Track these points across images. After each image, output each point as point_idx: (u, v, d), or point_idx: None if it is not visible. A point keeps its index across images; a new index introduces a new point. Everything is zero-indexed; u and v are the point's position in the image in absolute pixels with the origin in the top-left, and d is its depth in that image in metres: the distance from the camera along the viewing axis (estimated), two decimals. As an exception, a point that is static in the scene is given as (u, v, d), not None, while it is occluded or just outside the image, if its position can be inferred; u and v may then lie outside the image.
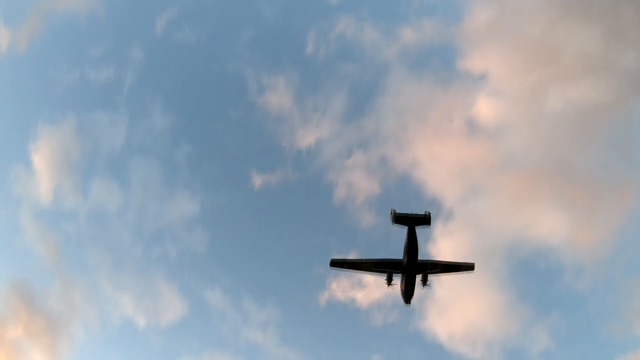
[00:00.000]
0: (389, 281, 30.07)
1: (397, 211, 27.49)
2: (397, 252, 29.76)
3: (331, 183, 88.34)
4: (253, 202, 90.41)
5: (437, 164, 79.22)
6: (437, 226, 78.65)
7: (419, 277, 29.62)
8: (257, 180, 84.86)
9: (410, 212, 27.60)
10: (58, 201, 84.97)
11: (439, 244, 76.49)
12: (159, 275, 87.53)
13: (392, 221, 27.67)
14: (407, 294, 30.36)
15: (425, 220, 27.81)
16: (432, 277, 30.05)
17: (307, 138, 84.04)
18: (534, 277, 79.63)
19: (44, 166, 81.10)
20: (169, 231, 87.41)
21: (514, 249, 77.02)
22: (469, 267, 30.38)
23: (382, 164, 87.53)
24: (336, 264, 30.55)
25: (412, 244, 27.81)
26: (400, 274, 29.90)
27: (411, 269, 28.95)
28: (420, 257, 29.11)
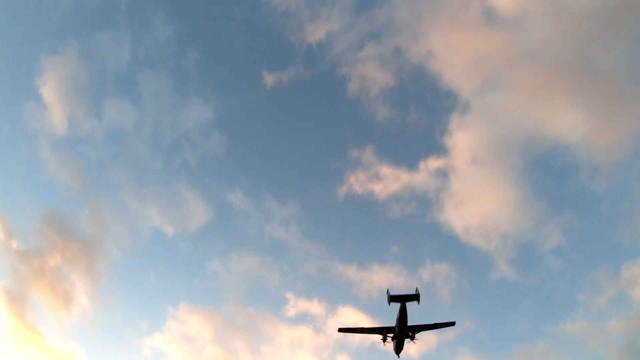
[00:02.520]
0: (384, 340, 37.55)
1: (391, 293, 34.76)
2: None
3: (344, 77, 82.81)
4: (266, 102, 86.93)
5: (453, 56, 74.32)
6: (453, 118, 76.30)
7: (407, 339, 37.35)
8: (269, 80, 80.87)
9: (402, 294, 34.95)
10: (73, 129, 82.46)
11: (455, 137, 75.24)
12: (181, 184, 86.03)
13: (388, 301, 35.03)
14: (398, 350, 37.70)
15: (415, 297, 34.87)
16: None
17: (316, 32, 79.15)
18: (549, 174, 76.05)
19: (54, 98, 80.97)
20: (186, 139, 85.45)
21: (531, 145, 72.05)
22: (450, 324, 38.15)
23: (395, 56, 79.92)
24: (343, 330, 37.87)
25: (402, 317, 35.12)
26: (392, 335, 37.58)
27: (401, 335, 36.62)
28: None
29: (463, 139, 75.59)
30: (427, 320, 37.32)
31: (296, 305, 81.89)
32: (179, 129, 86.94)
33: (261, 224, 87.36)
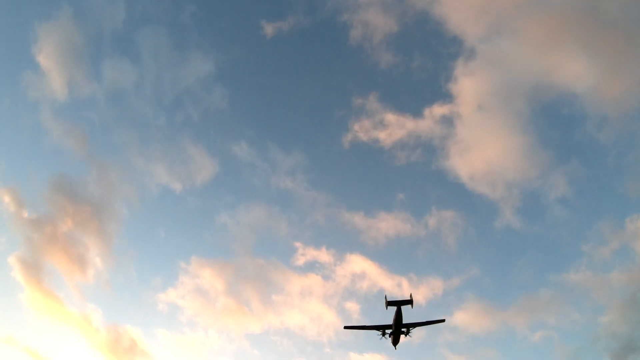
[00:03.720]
0: (383, 334, 44.30)
1: (387, 299, 41.12)
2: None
3: (346, 24, 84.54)
4: (267, 52, 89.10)
5: (458, 0, 72.03)
6: (458, 64, 79.31)
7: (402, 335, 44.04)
8: (269, 30, 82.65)
9: (397, 299, 41.28)
10: (74, 93, 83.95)
11: (460, 83, 78.29)
12: (186, 140, 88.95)
13: (385, 305, 41.48)
14: (395, 343, 44.07)
15: (409, 302, 40.22)
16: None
17: (316, -21, 72.73)
18: (556, 123, 78.43)
19: (51, 64, 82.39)
20: (188, 95, 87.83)
21: (538, 93, 73.58)
22: (440, 321, 44.37)
23: (399, 1, 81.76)
24: (349, 327, 44.71)
25: (398, 318, 41.57)
26: (390, 332, 44.22)
27: (397, 332, 43.29)
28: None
29: (469, 85, 76.47)
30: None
31: (305, 254, 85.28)
32: (180, 85, 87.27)
33: (267, 174, 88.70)
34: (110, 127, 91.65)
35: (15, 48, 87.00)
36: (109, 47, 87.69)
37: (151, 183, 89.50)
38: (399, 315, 41.18)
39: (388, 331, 43.39)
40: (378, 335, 43.93)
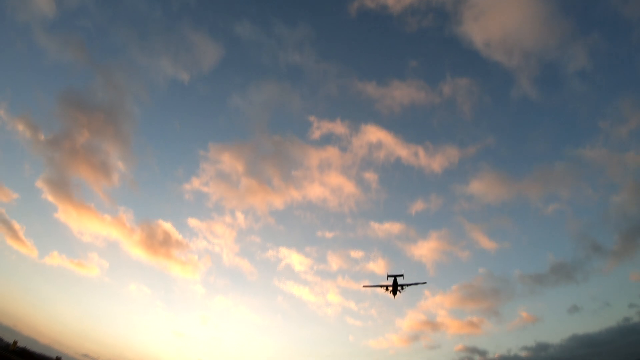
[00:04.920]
0: (386, 290, 74.72)
1: (388, 273, 70.74)
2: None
3: None
4: None
5: None
6: None
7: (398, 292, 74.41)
8: None
9: (394, 274, 70.83)
10: (62, 6, 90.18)
11: None
12: (186, 27, 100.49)
13: (387, 277, 71.27)
14: (394, 295, 75.01)
15: (401, 275, 70.75)
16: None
17: None
18: None
19: None
20: None
21: None
22: (422, 283, 74.29)
23: None
24: (367, 286, 75.10)
25: (395, 283, 71.65)
26: (390, 290, 74.51)
27: (394, 290, 73.59)
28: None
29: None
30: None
31: (320, 127, 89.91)
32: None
33: (274, 51, 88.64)
34: (106, 30, 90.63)
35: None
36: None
37: (158, 77, 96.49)
38: (395, 281, 71.38)
39: (390, 289, 73.86)
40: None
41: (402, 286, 73.06)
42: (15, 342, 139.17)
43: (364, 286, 75.32)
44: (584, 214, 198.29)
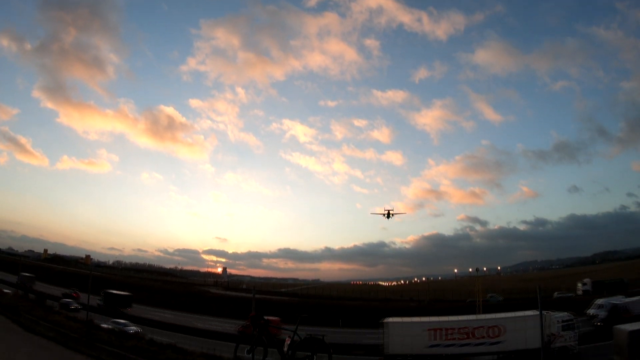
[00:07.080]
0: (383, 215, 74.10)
1: (385, 209, 69.74)
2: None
3: None
4: None
5: None
6: None
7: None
8: None
9: (389, 210, 69.97)
10: None
11: None
12: None
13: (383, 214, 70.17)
14: (388, 218, 75.17)
15: (394, 213, 70.92)
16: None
17: None
18: None
19: None
20: None
21: None
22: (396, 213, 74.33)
23: None
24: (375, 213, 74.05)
25: (389, 212, 71.10)
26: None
27: (389, 216, 73.10)
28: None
29: None
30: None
31: None
32: None
33: None
34: None
35: None
36: None
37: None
38: (389, 211, 70.69)
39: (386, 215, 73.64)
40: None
41: (393, 214, 74.09)
42: (45, 251, 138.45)
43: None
44: (591, 96, 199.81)
